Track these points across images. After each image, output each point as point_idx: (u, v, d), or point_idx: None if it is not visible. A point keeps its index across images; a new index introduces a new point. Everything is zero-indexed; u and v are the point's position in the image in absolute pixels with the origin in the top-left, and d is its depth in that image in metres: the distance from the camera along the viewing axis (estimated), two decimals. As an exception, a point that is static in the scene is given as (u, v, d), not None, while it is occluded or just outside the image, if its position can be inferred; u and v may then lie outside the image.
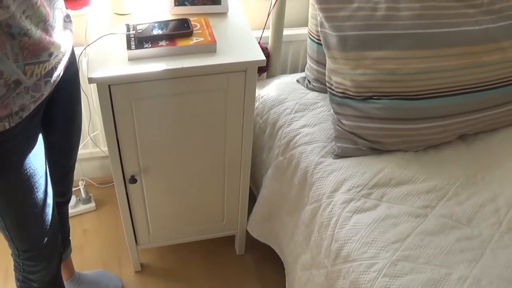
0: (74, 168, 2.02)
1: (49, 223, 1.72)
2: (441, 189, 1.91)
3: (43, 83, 1.46)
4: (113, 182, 2.08)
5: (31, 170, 1.56)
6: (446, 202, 1.86)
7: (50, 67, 1.47)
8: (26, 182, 1.57)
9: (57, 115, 1.75)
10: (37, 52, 1.39)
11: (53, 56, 1.46)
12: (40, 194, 1.64)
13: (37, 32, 1.36)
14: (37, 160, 1.58)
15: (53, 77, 1.51)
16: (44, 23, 1.39)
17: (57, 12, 1.49)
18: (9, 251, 1.77)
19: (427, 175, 1.96)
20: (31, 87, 1.42)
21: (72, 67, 1.74)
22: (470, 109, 2.05)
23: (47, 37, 1.42)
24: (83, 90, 2.23)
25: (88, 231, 2.71)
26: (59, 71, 1.53)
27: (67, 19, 1.62)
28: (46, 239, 1.74)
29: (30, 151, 1.55)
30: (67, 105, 1.78)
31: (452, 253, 1.70)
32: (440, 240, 1.73)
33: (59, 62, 1.52)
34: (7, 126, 1.40)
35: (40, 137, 1.59)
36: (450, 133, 2.06)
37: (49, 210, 1.71)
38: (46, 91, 1.50)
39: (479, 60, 2.04)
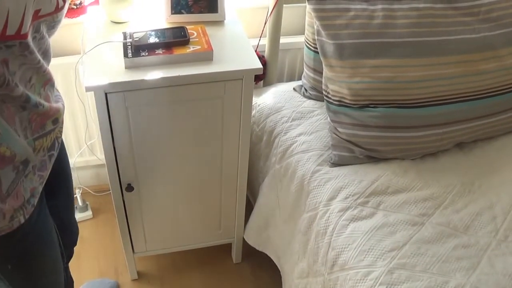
0: (75, 217, 1.96)
1: None
2: (438, 197, 1.91)
3: (48, 159, 1.36)
4: (109, 190, 2.08)
5: (55, 255, 1.52)
6: (443, 210, 1.86)
7: (53, 139, 1.36)
8: (52, 267, 1.53)
9: (53, 180, 1.56)
10: (44, 121, 1.28)
11: (57, 124, 1.35)
12: (61, 276, 1.61)
13: (46, 103, 1.25)
14: (55, 242, 1.52)
15: (55, 150, 1.40)
16: (44, 88, 1.27)
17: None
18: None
19: (424, 183, 1.96)
20: (37, 166, 1.31)
21: None
22: (468, 117, 2.05)
23: (52, 104, 1.31)
24: (80, 98, 2.23)
25: (84, 239, 2.71)
26: (59, 141, 1.43)
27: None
28: None
29: (49, 235, 1.47)
30: (60, 168, 1.64)
31: (449, 261, 1.70)
32: (437, 248, 1.73)
33: (59, 132, 1.40)
34: (23, 220, 1.28)
35: (47, 211, 1.49)
36: (447, 141, 2.07)
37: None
38: (50, 167, 1.39)
39: (477, 68, 2.04)
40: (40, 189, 1.35)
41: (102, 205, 2.88)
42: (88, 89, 1.73)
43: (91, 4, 2.17)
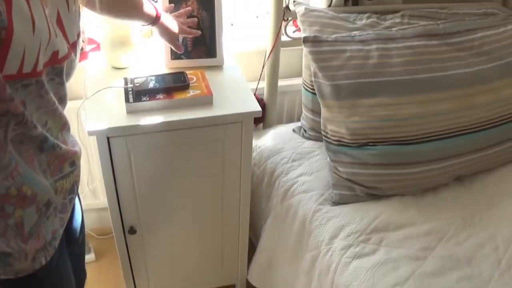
0: (84, 264, 1.94)
1: None
2: (439, 231, 1.91)
3: (68, 202, 1.36)
4: (112, 233, 2.08)
5: None
6: (445, 243, 1.86)
7: (72, 182, 1.36)
8: None
9: (69, 226, 1.58)
10: (61, 164, 1.29)
11: (74, 166, 1.35)
12: None
13: (63, 145, 1.26)
14: (73, 286, 1.52)
15: (75, 194, 1.40)
16: (61, 133, 1.28)
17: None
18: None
19: (425, 218, 1.96)
20: (58, 208, 1.31)
21: None
22: (466, 151, 2.07)
23: (69, 147, 1.32)
24: (82, 142, 2.25)
25: (88, 282, 2.64)
26: (78, 185, 1.43)
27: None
28: None
29: (69, 279, 1.47)
30: (74, 213, 1.63)
31: (453, 294, 1.70)
32: (440, 281, 1.72)
33: (78, 175, 1.41)
34: (44, 262, 1.28)
35: (68, 257, 1.49)
36: (447, 175, 2.08)
37: None
38: (70, 209, 1.40)
39: (472, 102, 2.07)
40: (61, 231, 1.35)
41: (105, 248, 2.87)
42: (90, 133, 1.75)
43: (92, 50, 2.20)
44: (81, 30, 1.29)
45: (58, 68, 1.15)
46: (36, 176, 1.18)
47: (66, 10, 1.18)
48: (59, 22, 1.15)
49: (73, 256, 1.58)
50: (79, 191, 2.44)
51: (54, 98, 1.19)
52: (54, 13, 1.13)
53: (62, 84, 1.22)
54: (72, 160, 1.33)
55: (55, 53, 1.11)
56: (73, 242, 1.62)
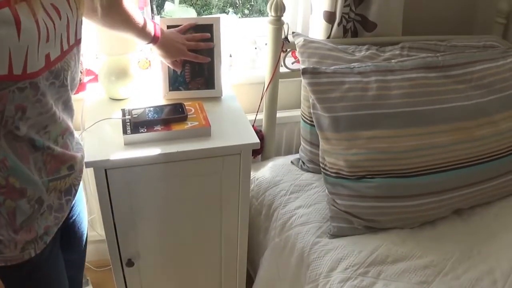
0: (82, 280, 1.97)
1: None
2: (437, 264, 1.90)
3: (65, 203, 1.41)
4: (110, 265, 2.07)
5: None
6: (443, 277, 1.85)
7: (69, 184, 1.41)
8: None
9: (70, 232, 1.67)
10: (58, 166, 1.34)
11: (73, 171, 1.41)
12: None
13: (57, 147, 1.31)
14: (63, 286, 1.54)
15: (72, 196, 1.45)
16: (62, 137, 1.34)
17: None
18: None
19: (423, 251, 1.95)
20: (54, 207, 1.36)
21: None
22: (464, 184, 2.06)
23: (68, 151, 1.37)
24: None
25: (85, 316, 2.68)
26: (77, 188, 1.48)
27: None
28: None
29: (58, 278, 1.50)
30: (78, 221, 1.72)
31: (451, 329, 1.68)
32: (438, 316, 1.72)
33: (76, 179, 1.46)
34: (33, 254, 1.32)
35: (61, 258, 1.53)
36: (445, 208, 2.07)
37: None
38: (68, 210, 1.44)
39: (471, 134, 2.07)
40: (55, 229, 1.39)
41: (103, 280, 2.85)
42: (88, 165, 1.74)
43: (90, 81, 2.21)
44: (81, 37, 1.34)
45: (54, 70, 1.21)
46: (26, 170, 1.23)
47: (71, 14, 1.25)
48: (67, 25, 1.24)
49: (71, 264, 1.66)
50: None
51: (51, 101, 1.24)
52: (64, 19, 1.21)
53: (64, 87, 1.28)
54: (70, 164, 1.39)
55: (47, 56, 1.18)
56: (73, 250, 1.70)
